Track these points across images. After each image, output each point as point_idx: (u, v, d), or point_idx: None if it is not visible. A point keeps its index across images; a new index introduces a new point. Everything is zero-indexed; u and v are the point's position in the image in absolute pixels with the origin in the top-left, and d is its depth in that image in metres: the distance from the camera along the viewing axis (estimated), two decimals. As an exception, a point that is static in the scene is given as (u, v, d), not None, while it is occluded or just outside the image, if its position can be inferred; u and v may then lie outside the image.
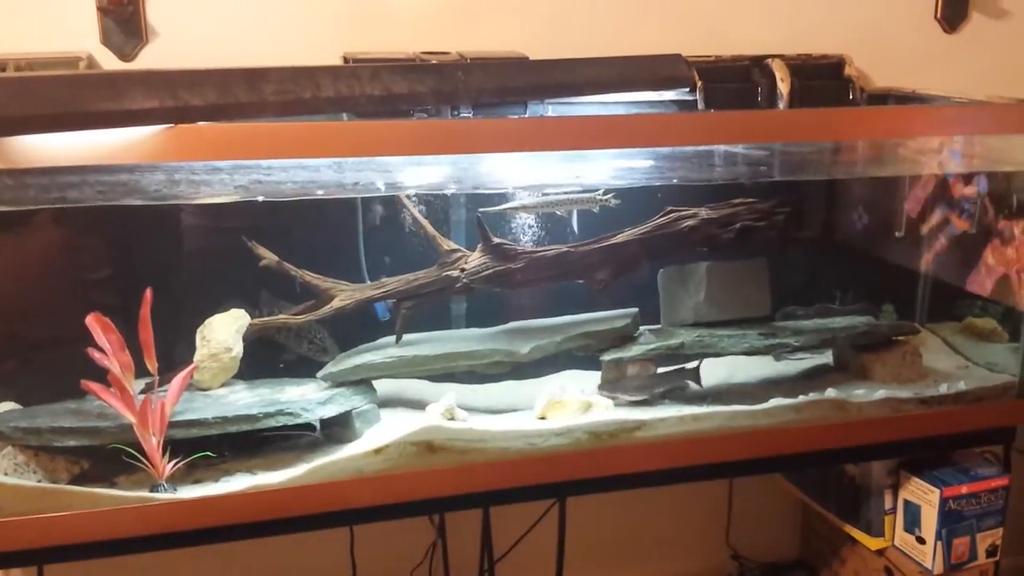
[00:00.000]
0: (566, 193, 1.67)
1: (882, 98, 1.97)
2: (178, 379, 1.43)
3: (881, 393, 1.68)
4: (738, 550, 2.28)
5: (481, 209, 1.66)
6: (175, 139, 1.26)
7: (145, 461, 1.39)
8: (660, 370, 1.70)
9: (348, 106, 1.37)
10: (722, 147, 1.63)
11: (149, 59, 1.72)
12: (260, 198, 1.45)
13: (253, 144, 1.30)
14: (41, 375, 1.62)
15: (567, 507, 1.91)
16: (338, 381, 1.61)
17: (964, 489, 1.77)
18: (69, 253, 1.66)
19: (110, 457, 1.46)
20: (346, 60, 1.70)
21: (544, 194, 1.68)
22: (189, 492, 1.41)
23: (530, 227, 1.78)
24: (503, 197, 1.68)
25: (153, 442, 1.38)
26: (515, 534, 2.06)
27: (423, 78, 1.42)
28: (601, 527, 2.17)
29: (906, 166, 1.87)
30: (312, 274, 1.65)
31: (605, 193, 1.66)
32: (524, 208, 1.68)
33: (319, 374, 1.62)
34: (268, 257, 1.62)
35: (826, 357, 1.87)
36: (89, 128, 1.21)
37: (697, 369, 1.69)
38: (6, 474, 1.40)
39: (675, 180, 1.64)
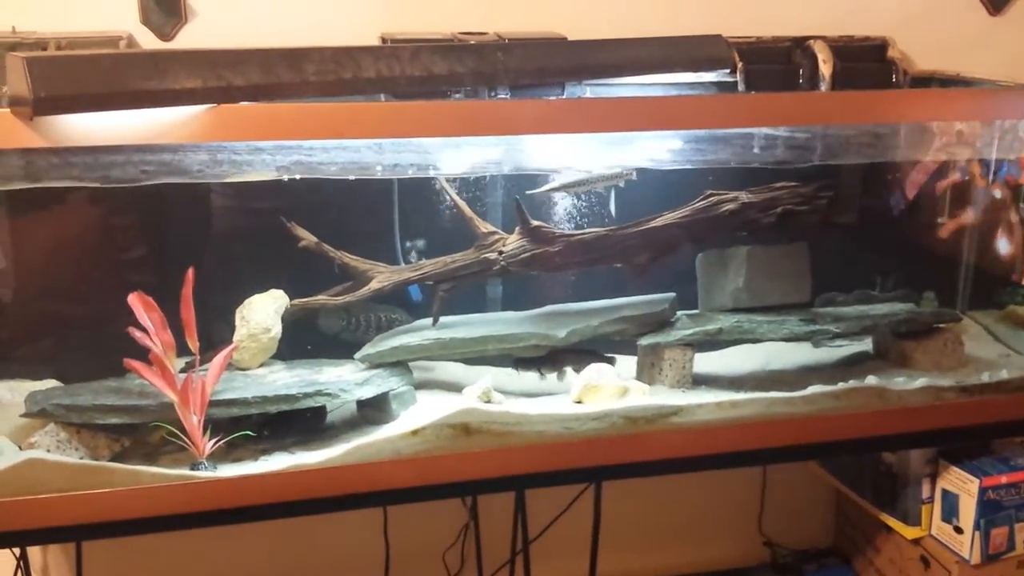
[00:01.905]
0: (589, 172, 1.66)
1: (925, 81, 1.94)
2: (219, 358, 1.44)
3: (922, 381, 1.66)
4: (771, 537, 2.27)
5: (528, 191, 1.66)
6: (217, 119, 1.26)
7: (186, 439, 1.40)
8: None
9: (388, 87, 1.37)
10: (763, 130, 1.61)
11: (188, 39, 1.72)
12: (294, 175, 1.45)
13: (295, 124, 1.30)
14: (82, 353, 1.64)
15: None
16: (375, 363, 1.61)
17: (1004, 479, 1.75)
18: (112, 232, 1.67)
19: (151, 435, 1.48)
20: (384, 40, 1.69)
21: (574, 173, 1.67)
22: (228, 471, 1.42)
23: (567, 210, 1.77)
24: (542, 179, 1.67)
25: (194, 420, 1.39)
26: (546, 518, 2.06)
27: (463, 58, 1.41)
28: (634, 511, 2.17)
29: (948, 151, 1.84)
30: (350, 255, 1.65)
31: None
32: (556, 189, 1.67)
33: (357, 355, 1.62)
34: (307, 238, 1.63)
35: (865, 344, 1.85)
36: (133, 107, 1.22)
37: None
38: (48, 450, 1.41)
39: (732, 163, 1.62)
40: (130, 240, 1.69)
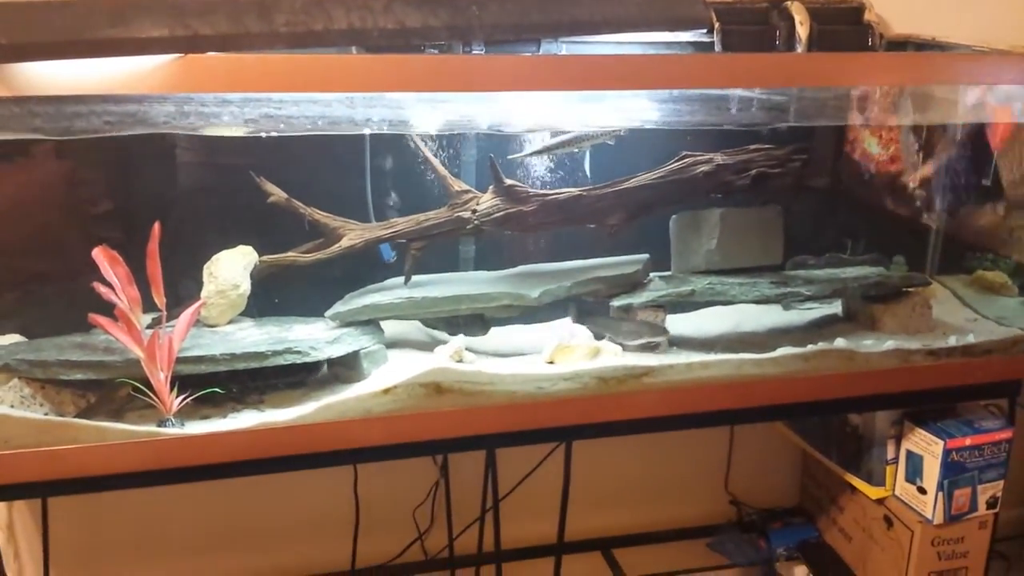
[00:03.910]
0: (574, 132, 1.65)
1: (901, 45, 1.93)
2: (186, 314, 1.42)
3: (890, 344, 1.67)
4: (737, 496, 2.30)
5: (510, 156, 1.64)
6: (184, 69, 1.23)
7: (153, 396, 1.38)
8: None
9: (360, 39, 1.34)
10: (739, 91, 1.60)
11: (154, -13, 1.67)
12: (262, 134, 1.42)
13: (264, 76, 1.27)
14: (47, 308, 1.61)
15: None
16: (346, 321, 1.60)
17: (967, 441, 1.77)
18: (77, 185, 1.64)
19: (117, 391, 1.46)
20: (356, -8, 1.65)
21: (555, 134, 1.65)
22: (196, 428, 1.41)
23: (542, 169, 1.76)
24: (516, 137, 1.65)
25: (161, 377, 1.38)
26: (516, 476, 2.07)
27: (437, 12, 1.38)
28: (603, 470, 2.18)
29: (920, 115, 1.85)
30: (321, 212, 1.63)
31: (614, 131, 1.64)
32: (540, 152, 1.66)
33: (327, 313, 1.61)
34: (277, 193, 1.60)
35: (835, 307, 1.87)
36: (97, 56, 1.19)
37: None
38: (12, 406, 1.39)
39: (711, 124, 1.62)
40: (95, 193, 1.65)
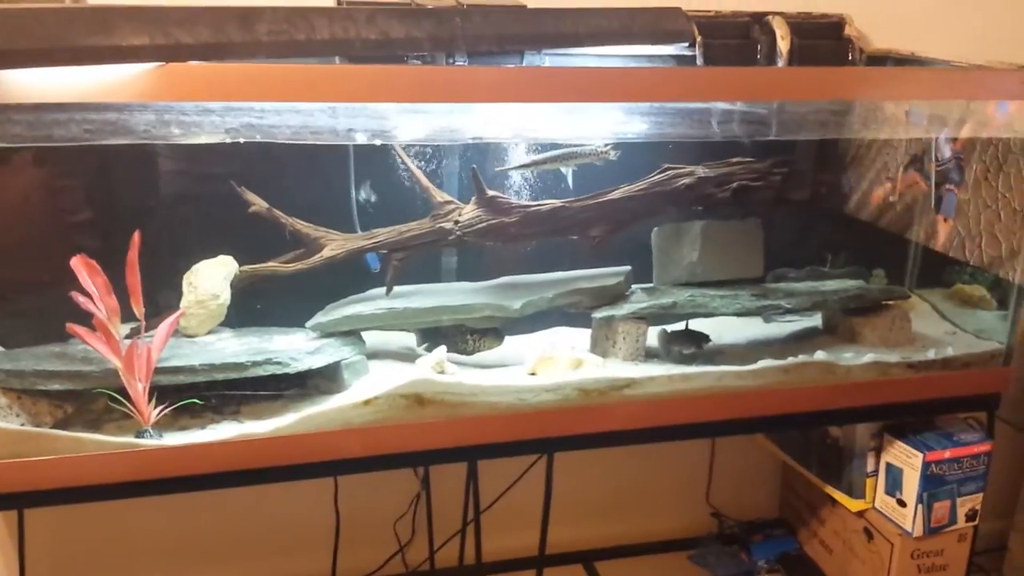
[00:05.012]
0: (568, 148, 1.65)
1: (881, 60, 1.95)
2: (165, 324, 1.41)
3: (869, 357, 1.68)
4: (718, 508, 2.30)
5: (497, 168, 1.64)
6: (165, 78, 1.22)
7: (131, 407, 1.37)
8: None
9: (343, 49, 1.34)
10: (719, 104, 1.61)
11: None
12: (240, 139, 1.41)
13: (245, 85, 1.26)
14: (24, 317, 1.60)
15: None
16: (327, 331, 1.59)
17: (947, 454, 1.78)
18: (56, 193, 1.62)
19: (95, 402, 1.44)
20: (339, 2, 1.65)
21: (540, 149, 1.65)
22: (175, 439, 1.40)
23: (524, 181, 1.76)
24: (499, 148, 1.65)
25: (139, 388, 1.37)
26: (498, 488, 2.07)
27: (420, 23, 1.39)
28: (585, 482, 2.18)
29: (901, 128, 1.86)
30: (302, 222, 1.62)
31: (604, 145, 1.64)
32: (527, 166, 1.66)
33: (308, 324, 1.60)
34: (257, 203, 1.60)
35: (815, 320, 1.88)
36: (77, 64, 1.18)
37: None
38: (-12, 417, 1.38)
39: (694, 137, 1.62)
40: (74, 202, 1.64)
